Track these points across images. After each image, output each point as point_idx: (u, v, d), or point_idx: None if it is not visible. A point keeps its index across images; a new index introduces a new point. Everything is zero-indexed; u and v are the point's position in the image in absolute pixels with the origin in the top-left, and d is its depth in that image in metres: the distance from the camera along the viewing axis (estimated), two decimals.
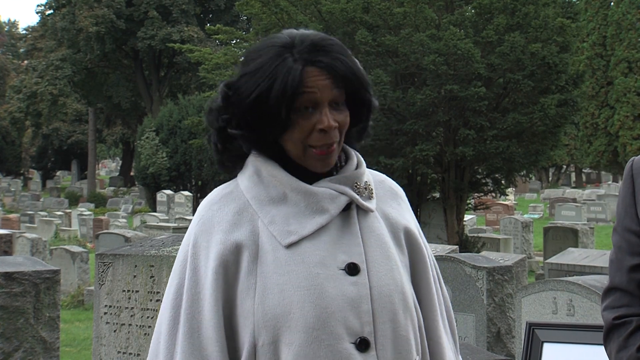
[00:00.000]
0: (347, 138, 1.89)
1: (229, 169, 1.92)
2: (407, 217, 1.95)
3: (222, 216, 1.83)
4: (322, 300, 1.76)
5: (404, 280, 1.86)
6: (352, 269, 1.80)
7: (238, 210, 1.83)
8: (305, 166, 1.83)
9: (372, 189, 1.90)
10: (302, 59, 1.79)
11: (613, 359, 1.85)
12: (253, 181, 1.85)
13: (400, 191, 1.99)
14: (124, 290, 4.76)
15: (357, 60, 1.88)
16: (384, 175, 2.00)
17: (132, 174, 47.40)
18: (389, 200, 1.94)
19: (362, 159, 1.93)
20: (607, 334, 1.87)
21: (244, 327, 1.78)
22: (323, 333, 1.75)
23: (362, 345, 1.77)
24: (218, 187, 1.90)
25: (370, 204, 1.88)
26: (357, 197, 1.85)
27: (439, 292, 1.97)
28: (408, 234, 1.92)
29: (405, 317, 1.84)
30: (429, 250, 1.99)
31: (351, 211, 1.86)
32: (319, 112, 1.79)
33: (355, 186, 1.86)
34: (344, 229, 1.85)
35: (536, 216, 29.36)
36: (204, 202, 1.89)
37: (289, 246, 1.80)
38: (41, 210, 32.65)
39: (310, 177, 1.85)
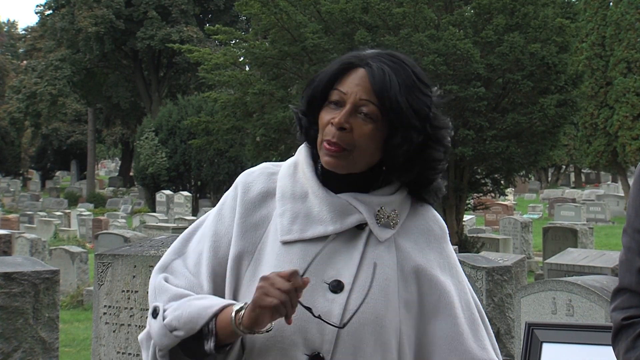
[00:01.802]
0: (389, 170, 1.86)
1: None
2: (429, 255, 1.88)
3: (250, 190, 1.90)
4: None
5: (389, 315, 1.81)
6: (336, 287, 1.79)
7: (264, 193, 1.90)
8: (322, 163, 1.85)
9: (397, 220, 1.86)
10: (357, 59, 1.84)
11: (621, 359, 1.84)
12: (289, 172, 1.90)
13: (439, 228, 1.93)
14: (124, 291, 4.75)
15: (422, 90, 1.84)
16: (429, 209, 1.94)
17: (131, 174, 47.40)
18: (417, 234, 1.89)
19: (404, 189, 1.89)
20: (616, 335, 1.85)
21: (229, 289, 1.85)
22: (280, 335, 1.76)
23: None
24: (268, 164, 1.97)
25: (385, 233, 1.85)
26: (374, 221, 1.84)
27: (472, 331, 1.88)
28: (419, 273, 1.86)
29: (374, 350, 1.79)
30: (466, 289, 1.91)
31: (362, 232, 1.84)
32: (341, 110, 1.81)
33: (380, 210, 1.84)
34: (347, 246, 1.83)
35: (535, 216, 29.36)
36: (249, 170, 1.96)
37: (285, 243, 1.82)
38: (40, 211, 32.63)
39: (340, 185, 1.85)
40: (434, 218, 1.94)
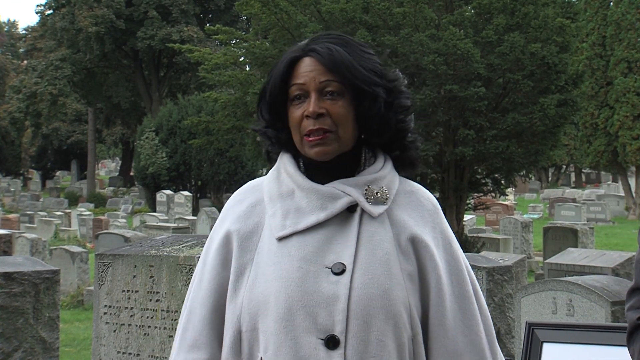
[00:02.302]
0: (368, 137, 1.91)
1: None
2: (424, 228, 1.90)
3: (238, 208, 1.95)
4: (296, 293, 1.80)
5: (395, 287, 1.83)
6: (338, 269, 1.82)
7: (252, 204, 1.94)
8: (308, 157, 1.88)
9: (386, 195, 1.89)
10: (300, 52, 1.88)
11: (636, 358, 1.83)
12: (273, 176, 1.94)
13: (430, 204, 1.96)
14: (124, 290, 4.75)
15: (368, 53, 1.89)
16: (420, 187, 1.98)
17: (131, 174, 47.40)
18: (409, 209, 1.92)
19: (390, 163, 1.93)
20: (632, 334, 1.84)
21: (233, 312, 1.87)
22: (291, 324, 1.79)
23: (331, 342, 1.78)
24: (251, 180, 2.03)
25: (377, 209, 1.87)
26: (363, 200, 1.86)
27: (463, 309, 1.90)
28: (416, 242, 1.88)
29: (386, 323, 1.81)
30: (460, 266, 1.92)
31: (355, 213, 1.87)
32: (308, 100, 1.85)
33: (367, 189, 1.87)
34: (342, 229, 1.86)
35: (536, 216, 29.35)
36: (233, 194, 2.02)
37: (281, 239, 1.86)
38: (41, 210, 32.63)
39: (326, 177, 1.89)
40: (425, 194, 1.97)
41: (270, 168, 1.99)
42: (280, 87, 1.87)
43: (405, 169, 1.96)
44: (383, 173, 1.90)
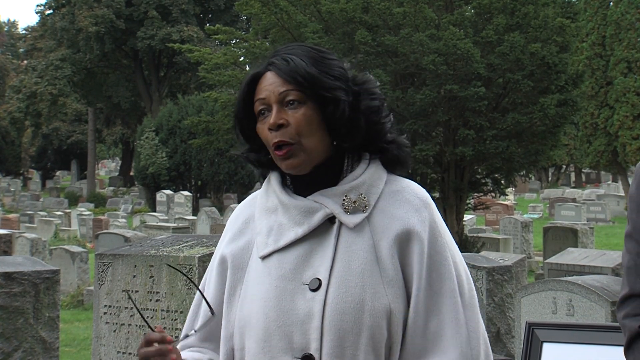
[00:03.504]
0: (340, 142, 1.89)
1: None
2: (407, 226, 1.84)
3: (235, 224, 1.98)
4: (272, 313, 1.81)
5: (372, 297, 1.79)
6: (314, 285, 1.81)
7: (246, 220, 1.96)
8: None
9: (366, 202, 1.86)
10: (261, 67, 1.90)
11: None
12: (264, 189, 1.96)
13: (417, 199, 1.89)
14: (124, 290, 4.75)
15: (328, 59, 1.89)
16: (409, 184, 1.92)
17: (131, 174, 47.40)
18: (393, 209, 1.87)
19: (373, 166, 1.90)
20: (632, 342, 1.80)
21: (226, 329, 1.90)
22: (268, 345, 1.81)
23: None
24: (258, 190, 2.03)
25: (354, 219, 1.84)
26: (340, 210, 1.84)
27: (428, 307, 1.83)
28: (398, 244, 1.83)
29: (360, 337, 1.78)
30: (443, 260, 1.85)
31: (334, 225, 1.85)
32: (271, 113, 1.86)
33: (345, 199, 1.85)
34: (322, 242, 1.85)
35: (536, 216, 29.35)
36: (242, 202, 2.04)
37: (263, 258, 1.87)
38: (41, 210, 32.63)
39: (310, 189, 1.88)
40: (412, 191, 1.90)
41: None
42: (244, 107, 1.89)
43: (395, 169, 1.93)
44: (362, 179, 1.87)
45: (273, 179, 1.93)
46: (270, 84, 1.86)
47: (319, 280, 1.81)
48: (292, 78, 1.84)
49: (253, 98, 1.89)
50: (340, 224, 1.85)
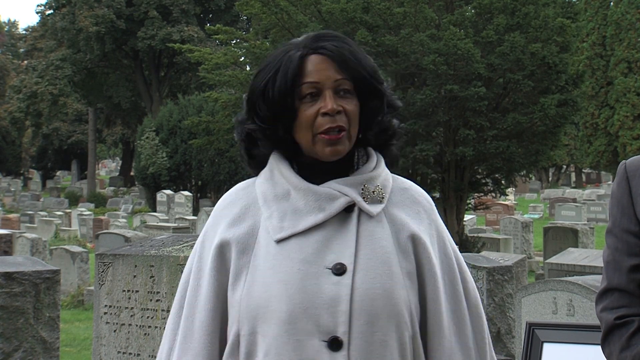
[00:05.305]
0: (366, 138, 1.92)
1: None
2: (420, 226, 1.90)
3: (231, 210, 1.92)
4: (298, 296, 1.79)
5: (397, 286, 1.83)
6: (339, 269, 1.81)
7: (246, 205, 1.91)
8: (316, 157, 1.87)
9: (382, 193, 1.89)
10: (305, 49, 1.87)
11: (615, 359, 1.84)
12: (265, 178, 1.92)
13: (425, 200, 1.96)
14: (124, 290, 4.76)
15: (364, 53, 1.91)
16: (412, 184, 1.99)
17: (132, 174, 47.39)
18: (405, 207, 1.92)
19: (382, 161, 1.94)
20: (607, 334, 1.86)
21: (233, 315, 1.86)
22: (293, 328, 1.78)
23: (334, 344, 1.78)
24: (241, 182, 1.99)
25: (375, 208, 1.87)
26: (360, 199, 1.86)
27: (454, 309, 1.90)
28: (415, 241, 1.88)
29: (389, 323, 1.81)
30: (453, 264, 1.93)
31: (352, 213, 1.86)
32: (322, 98, 1.84)
33: (363, 189, 1.87)
34: (341, 229, 1.85)
35: (536, 216, 29.35)
36: (223, 196, 1.99)
37: (279, 241, 1.84)
38: (41, 210, 32.63)
39: (321, 177, 1.88)
40: (418, 190, 1.98)
41: (251, 168, 1.97)
42: (293, 85, 1.85)
43: (392, 167, 1.98)
44: (377, 172, 1.90)
45: (282, 165, 1.90)
46: (325, 69, 1.85)
47: (343, 265, 1.81)
48: (345, 67, 1.85)
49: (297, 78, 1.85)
50: (360, 212, 1.87)
